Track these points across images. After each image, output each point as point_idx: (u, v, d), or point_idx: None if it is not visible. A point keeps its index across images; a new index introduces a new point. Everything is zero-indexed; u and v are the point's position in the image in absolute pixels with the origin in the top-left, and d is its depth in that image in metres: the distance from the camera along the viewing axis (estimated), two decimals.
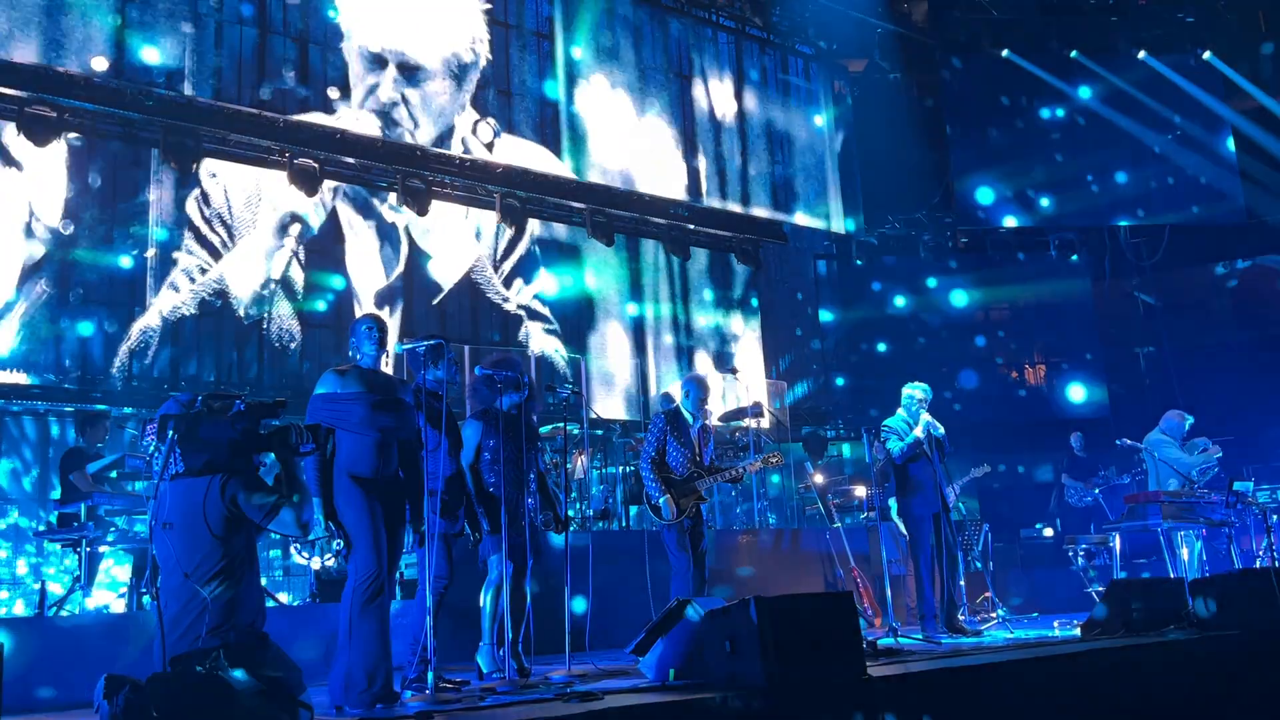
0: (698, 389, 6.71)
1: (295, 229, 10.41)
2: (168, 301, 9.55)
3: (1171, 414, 9.02)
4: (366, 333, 4.81)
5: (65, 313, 9.06)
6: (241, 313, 9.92)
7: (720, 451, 9.97)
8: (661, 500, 6.45)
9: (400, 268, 11.07)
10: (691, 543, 6.52)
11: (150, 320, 9.48)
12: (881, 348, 14.59)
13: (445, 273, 11.43)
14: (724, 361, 13.25)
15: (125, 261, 9.45)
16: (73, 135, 9.28)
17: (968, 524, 9.37)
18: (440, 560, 5.00)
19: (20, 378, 8.72)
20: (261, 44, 10.40)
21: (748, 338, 13.86)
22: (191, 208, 9.83)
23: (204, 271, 9.78)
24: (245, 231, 10.11)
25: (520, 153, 11.94)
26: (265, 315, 10.08)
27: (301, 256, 10.43)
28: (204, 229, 9.87)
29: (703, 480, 6.57)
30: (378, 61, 11.00)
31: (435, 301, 11.26)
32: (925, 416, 7.55)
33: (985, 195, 14.97)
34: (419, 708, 4.26)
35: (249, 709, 3.33)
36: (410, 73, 11.18)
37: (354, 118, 10.76)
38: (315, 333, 10.36)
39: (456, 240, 11.60)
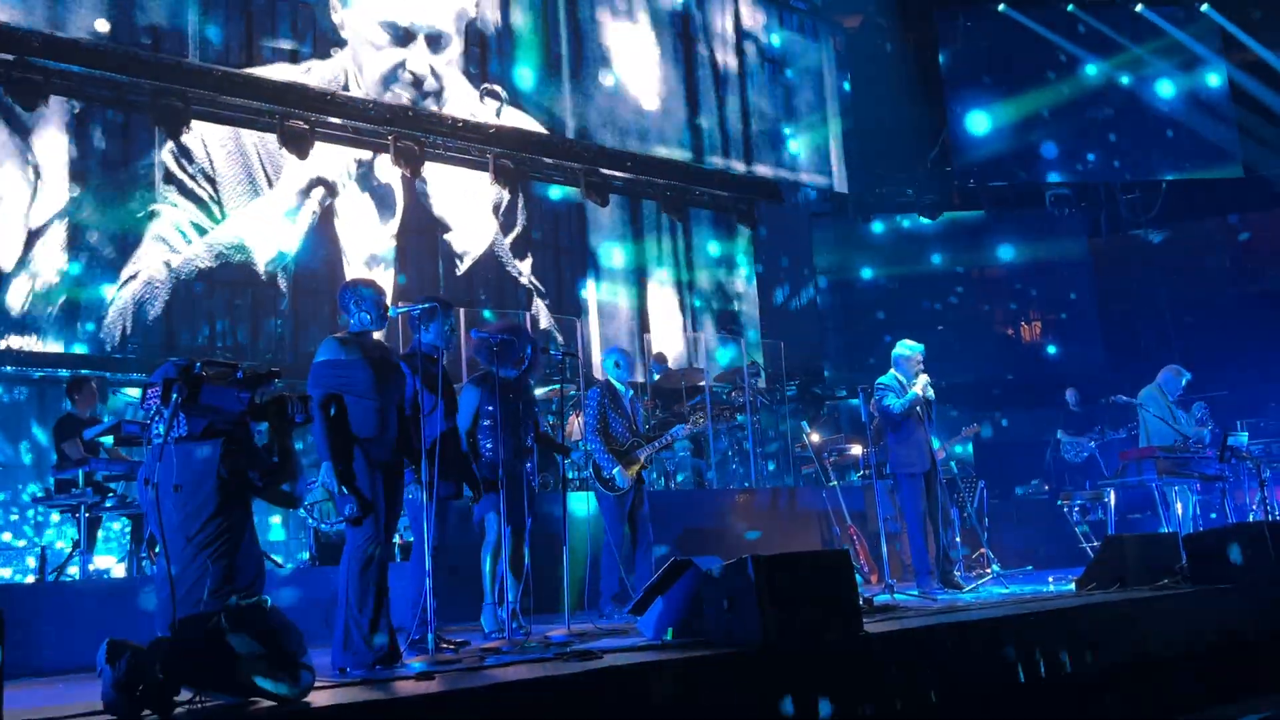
0: (625, 358, 7.01)
1: (318, 193, 10.39)
2: (159, 256, 9.50)
3: (1169, 369, 9.01)
4: (371, 299, 4.78)
5: (72, 277, 9.02)
6: (260, 269, 9.98)
7: (716, 412, 10.03)
8: (615, 470, 6.65)
9: (395, 228, 11.00)
10: (632, 511, 6.73)
11: (153, 273, 9.47)
12: (878, 305, 14.58)
13: (465, 245, 11.44)
14: (725, 320, 13.25)
15: (133, 225, 9.40)
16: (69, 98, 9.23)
17: (960, 480, 9.40)
18: (436, 524, 5.01)
19: (28, 342, 8.71)
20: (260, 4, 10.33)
21: (747, 296, 13.84)
22: (168, 159, 9.69)
23: (201, 231, 9.75)
24: (232, 186, 10.03)
25: (522, 116, 11.89)
26: (277, 276, 10.11)
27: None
28: (188, 182, 9.79)
29: (642, 448, 6.81)
30: (406, 36, 11.03)
31: (460, 273, 11.28)
32: (924, 376, 7.57)
33: (982, 152, 14.87)
34: (420, 668, 4.29)
35: (251, 672, 3.35)
36: (434, 42, 11.23)
37: (372, 89, 10.79)
38: (305, 300, 10.32)
39: (474, 211, 11.57)
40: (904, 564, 8.55)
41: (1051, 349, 14.91)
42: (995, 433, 13.53)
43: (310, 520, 7.46)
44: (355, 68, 10.79)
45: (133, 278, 9.38)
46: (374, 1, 10.92)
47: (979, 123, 14.87)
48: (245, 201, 10.04)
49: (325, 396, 4.52)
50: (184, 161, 9.77)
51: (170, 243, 9.60)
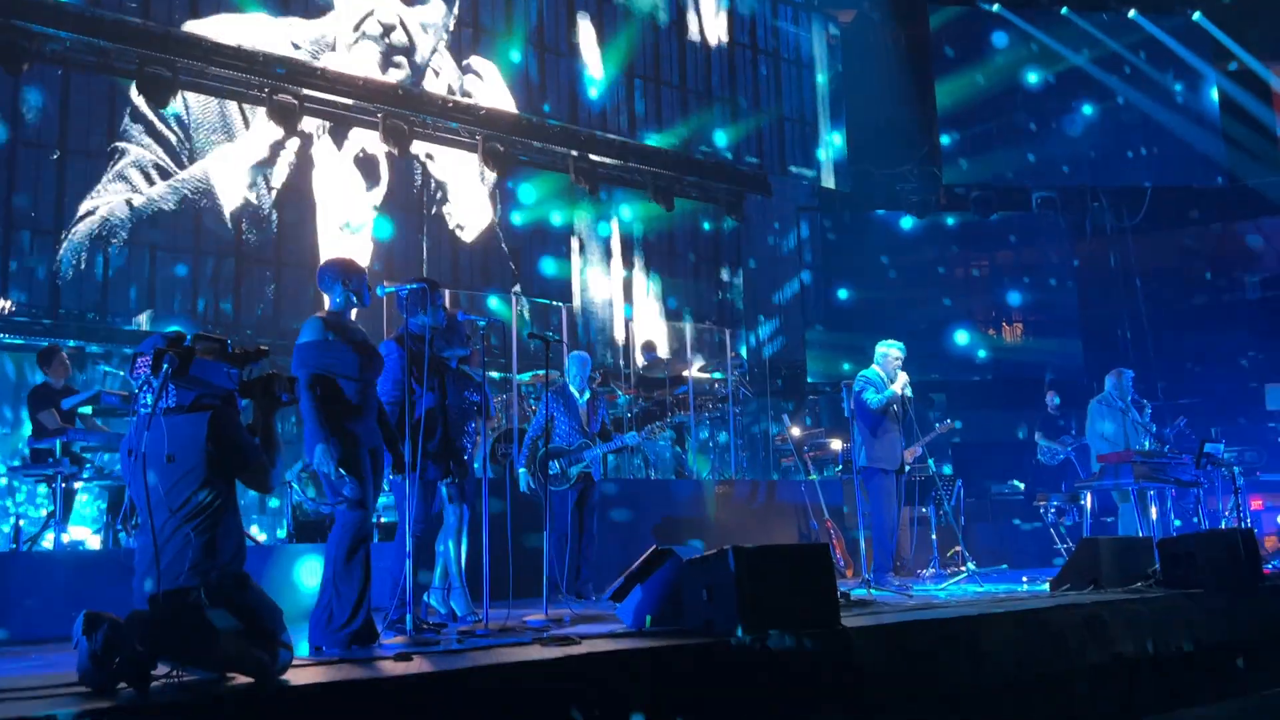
0: (581, 364, 7.21)
1: (293, 144, 10.34)
2: (120, 195, 9.41)
3: (1110, 375, 9.06)
4: (359, 279, 4.75)
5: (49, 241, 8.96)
6: (227, 217, 9.92)
7: (700, 402, 10.05)
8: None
9: (379, 198, 10.95)
10: (580, 506, 6.95)
11: (114, 211, 9.37)
12: (862, 302, 14.62)
13: (467, 230, 11.49)
14: (708, 312, 13.26)
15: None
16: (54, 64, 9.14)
17: (938, 479, 9.45)
18: (420, 504, 4.99)
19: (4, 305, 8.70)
20: None
21: (732, 288, 13.86)
22: (136, 98, 9.56)
23: (164, 173, 9.62)
24: (206, 134, 9.95)
25: (506, 98, 11.84)
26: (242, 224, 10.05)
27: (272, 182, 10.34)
28: (158, 124, 9.69)
29: (590, 449, 6.99)
30: None
31: (464, 241, 11.33)
32: (903, 376, 7.60)
33: (971, 150, 14.94)
34: (398, 649, 4.29)
35: (229, 647, 3.34)
36: None
37: (345, 41, 10.74)
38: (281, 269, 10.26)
39: (474, 195, 11.54)
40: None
41: (1032, 350, 14.99)
42: (973, 432, 13.59)
43: (296, 495, 7.44)
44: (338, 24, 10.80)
45: (90, 214, 9.28)
46: None
47: (969, 121, 14.91)
48: (217, 145, 9.99)
49: (313, 377, 4.48)
50: (154, 103, 9.61)
51: (133, 182, 9.50)
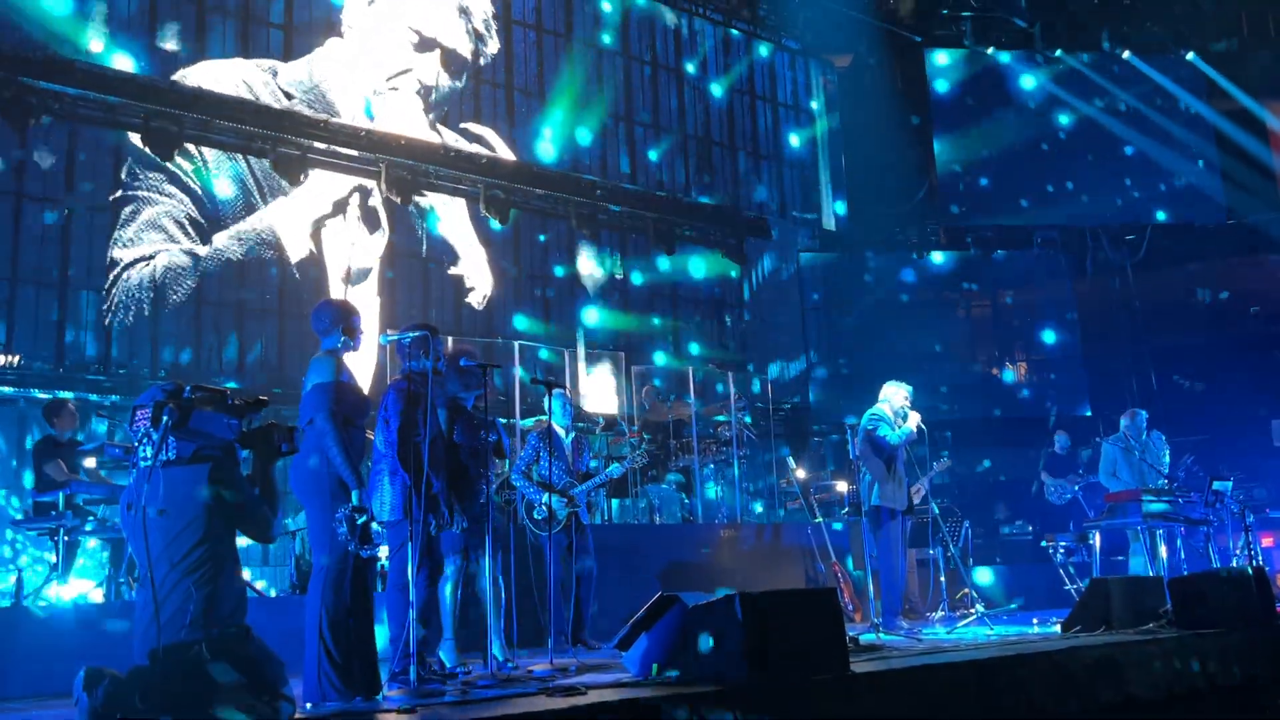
0: (567, 403, 7.15)
1: (355, 199, 10.51)
2: (160, 244, 9.47)
3: (1124, 416, 9.06)
4: (358, 321, 4.73)
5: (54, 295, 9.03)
6: (295, 271, 10.14)
7: (704, 445, 10.03)
8: (549, 499, 6.74)
9: (383, 251, 11.01)
10: (573, 548, 6.85)
11: (174, 261, 9.46)
12: (865, 342, 14.60)
13: (470, 277, 11.59)
14: (711, 355, 13.27)
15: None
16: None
17: (943, 520, 9.38)
18: (423, 552, 4.94)
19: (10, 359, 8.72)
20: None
21: (734, 331, 13.88)
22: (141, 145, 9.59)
23: (198, 226, 9.70)
24: (225, 188, 10.01)
25: (502, 151, 11.97)
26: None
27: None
28: (183, 176, 9.73)
29: (576, 487, 6.94)
30: (425, 45, 11.40)
31: (480, 305, 11.47)
32: (915, 415, 7.59)
33: (970, 193, 15.02)
34: (401, 700, 4.23)
35: (231, 701, 3.30)
36: (454, 62, 11.63)
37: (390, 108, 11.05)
38: (259, 317, 10.29)
39: (477, 243, 11.67)
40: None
41: (1037, 389, 14.96)
42: (978, 471, 13.54)
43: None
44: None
45: (144, 261, 9.36)
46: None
47: (967, 162, 15.01)
48: (235, 199, 10.06)
49: (337, 416, 4.40)
50: (159, 155, 9.63)
51: (170, 233, 9.55)
